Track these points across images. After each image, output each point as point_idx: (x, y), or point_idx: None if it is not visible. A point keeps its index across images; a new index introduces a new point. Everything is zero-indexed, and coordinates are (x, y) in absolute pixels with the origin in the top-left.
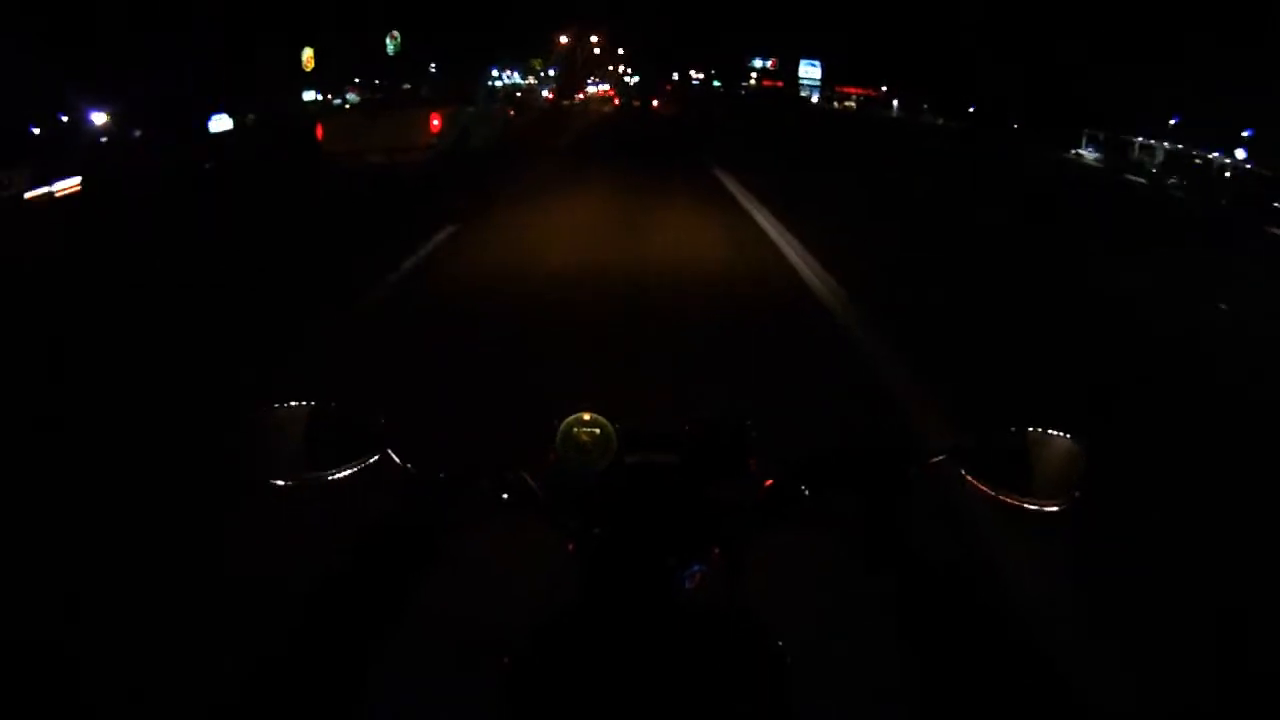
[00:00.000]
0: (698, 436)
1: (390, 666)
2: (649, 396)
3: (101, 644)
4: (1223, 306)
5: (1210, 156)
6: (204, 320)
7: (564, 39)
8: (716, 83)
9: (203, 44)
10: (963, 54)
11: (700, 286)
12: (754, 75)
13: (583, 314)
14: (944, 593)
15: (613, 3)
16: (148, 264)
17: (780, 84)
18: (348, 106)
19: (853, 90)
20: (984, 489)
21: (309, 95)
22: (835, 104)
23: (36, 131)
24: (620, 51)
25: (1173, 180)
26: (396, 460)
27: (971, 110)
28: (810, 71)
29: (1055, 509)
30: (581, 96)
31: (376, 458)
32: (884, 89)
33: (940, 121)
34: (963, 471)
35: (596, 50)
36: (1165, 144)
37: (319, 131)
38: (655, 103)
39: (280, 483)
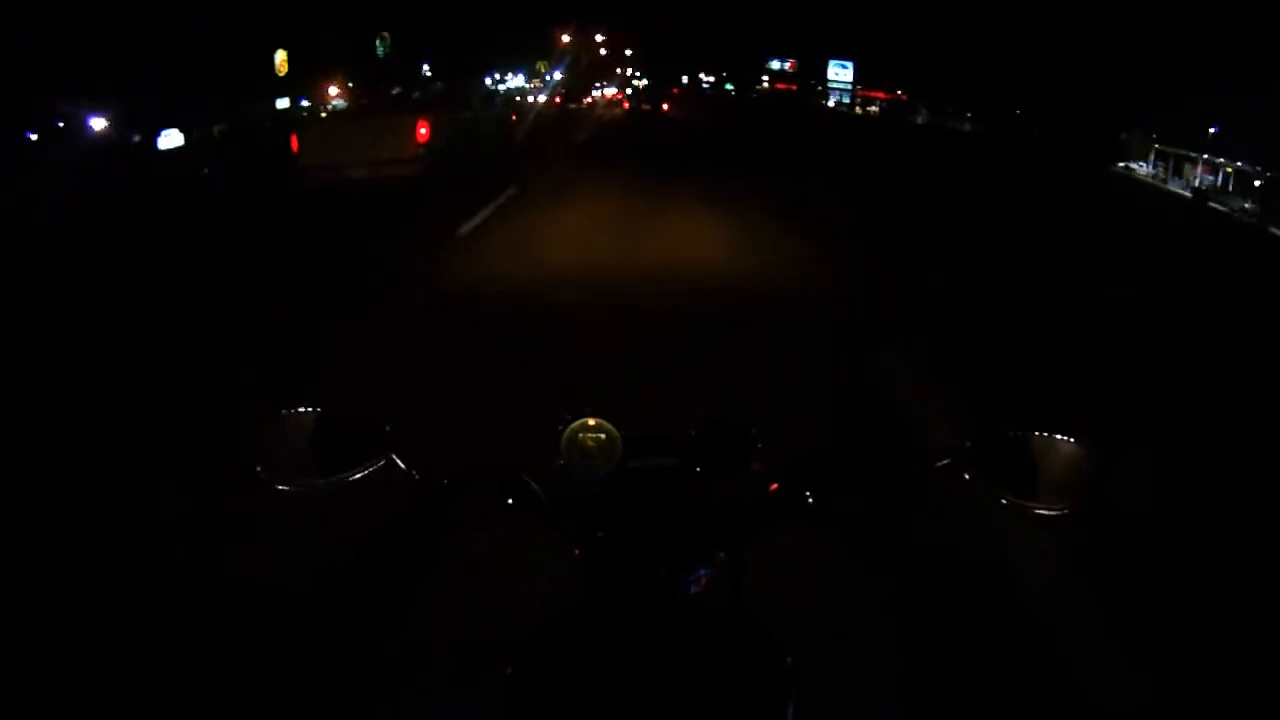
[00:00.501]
0: (701, 440)
1: (394, 669)
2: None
3: (102, 643)
4: None
5: None
6: None
7: (565, 37)
8: (729, 86)
9: (146, 47)
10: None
11: None
12: (766, 78)
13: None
14: (945, 594)
15: (618, 3)
16: None
17: (794, 87)
18: (323, 115)
19: (879, 95)
20: (989, 492)
21: (283, 103)
22: (858, 108)
23: None
24: (628, 53)
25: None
26: (401, 464)
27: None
28: (841, 74)
29: (1061, 513)
30: (589, 100)
31: (382, 462)
32: (899, 93)
33: (968, 127)
34: (967, 475)
35: (603, 51)
36: (1233, 162)
37: (293, 143)
38: (665, 106)
39: (286, 487)
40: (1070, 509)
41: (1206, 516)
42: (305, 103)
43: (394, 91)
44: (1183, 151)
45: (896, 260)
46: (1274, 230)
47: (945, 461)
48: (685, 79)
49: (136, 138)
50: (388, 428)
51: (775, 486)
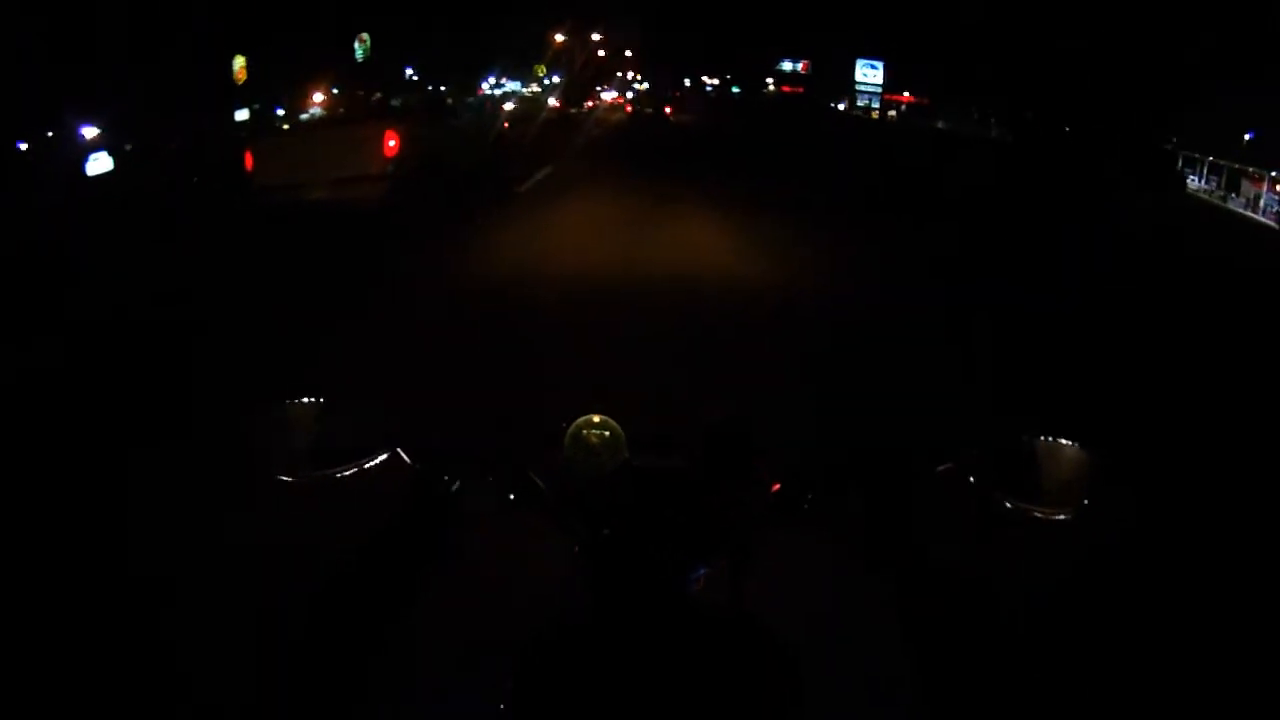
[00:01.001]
0: (705, 439)
1: (397, 664)
2: None
3: (99, 644)
4: None
5: None
6: None
7: (560, 37)
8: (735, 88)
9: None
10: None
11: None
12: (770, 81)
13: None
14: (947, 595)
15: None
16: None
17: (801, 89)
18: (282, 126)
19: (904, 99)
20: (991, 496)
21: (242, 114)
22: (873, 114)
23: None
24: (628, 54)
25: None
26: (406, 459)
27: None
28: (870, 75)
29: (1063, 517)
30: (591, 104)
31: (386, 455)
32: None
33: (994, 134)
34: (971, 478)
35: (601, 52)
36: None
37: (248, 160)
38: (668, 110)
39: (288, 478)
40: (1073, 513)
41: None
42: (280, 111)
43: (375, 97)
44: (1235, 165)
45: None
46: None
47: (948, 464)
48: (688, 81)
49: (61, 161)
50: (392, 421)
51: (778, 487)
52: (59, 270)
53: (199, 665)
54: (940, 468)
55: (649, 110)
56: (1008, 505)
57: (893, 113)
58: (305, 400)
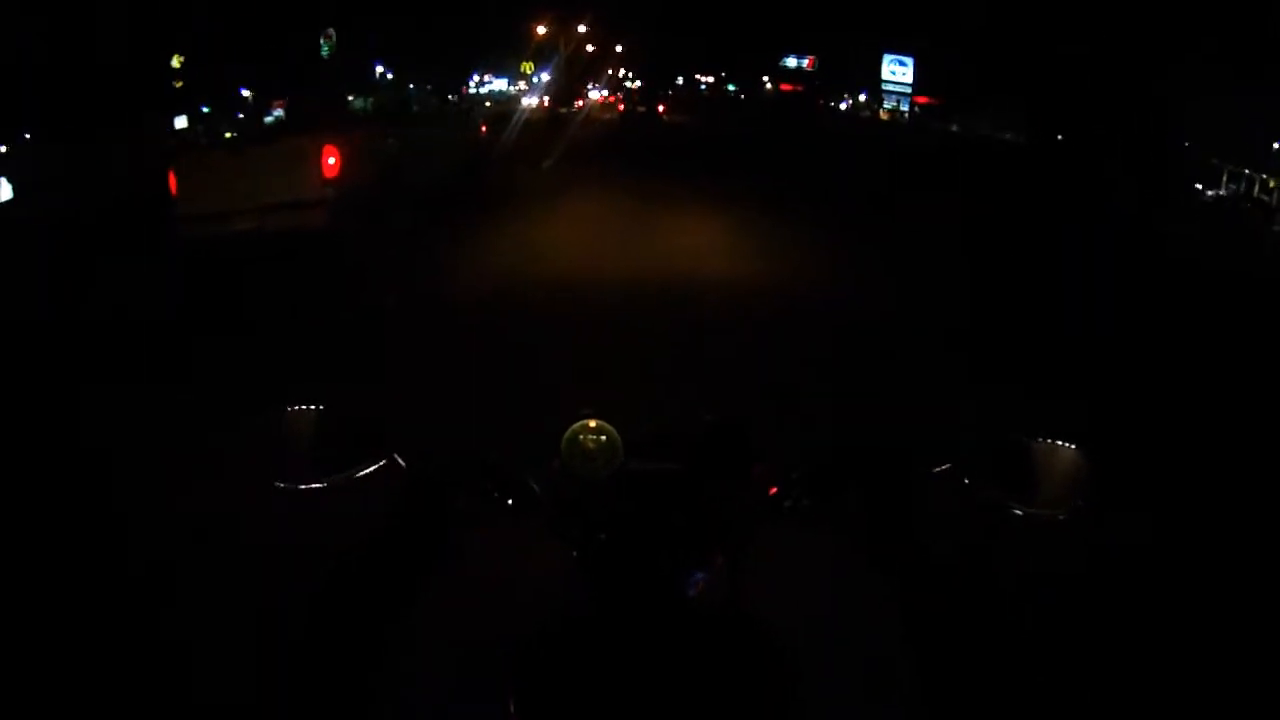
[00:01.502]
0: (701, 442)
1: (395, 668)
2: None
3: (101, 645)
4: None
5: None
6: None
7: (541, 29)
8: (731, 86)
9: None
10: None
11: None
12: (767, 79)
13: None
14: (946, 594)
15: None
16: None
17: (800, 88)
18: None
19: (920, 99)
20: (988, 497)
21: (181, 122)
22: (883, 114)
23: None
24: (619, 49)
25: None
26: (402, 464)
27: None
28: (899, 72)
29: (1059, 518)
30: (581, 104)
31: (383, 462)
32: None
33: (1009, 135)
34: (968, 479)
35: (590, 47)
36: None
37: (171, 183)
38: (661, 108)
39: (287, 485)
40: (1069, 513)
41: None
42: (241, 116)
43: (349, 99)
44: (1255, 173)
45: None
46: None
47: (946, 465)
48: (681, 80)
49: None
50: (390, 427)
51: (775, 490)
52: None
53: (200, 666)
54: (938, 468)
55: (641, 109)
56: (1005, 506)
57: (904, 109)
58: (304, 408)
